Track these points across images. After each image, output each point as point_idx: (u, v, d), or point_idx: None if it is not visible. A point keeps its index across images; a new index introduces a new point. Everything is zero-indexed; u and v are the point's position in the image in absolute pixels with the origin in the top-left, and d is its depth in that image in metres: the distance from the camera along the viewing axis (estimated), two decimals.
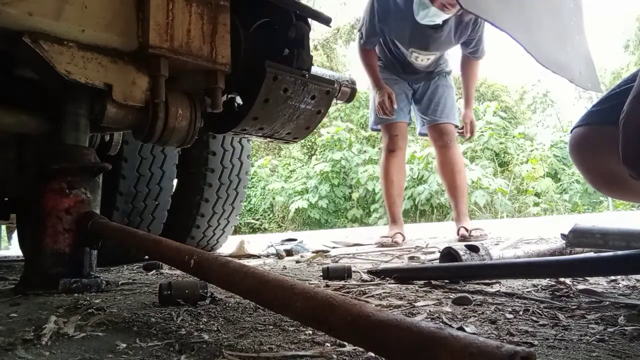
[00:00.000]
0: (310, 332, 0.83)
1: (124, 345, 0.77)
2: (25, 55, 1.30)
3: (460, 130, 3.25)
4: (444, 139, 3.15)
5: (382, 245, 2.95)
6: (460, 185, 3.18)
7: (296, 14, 1.68)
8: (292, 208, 13.69)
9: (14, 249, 7.44)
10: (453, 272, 1.30)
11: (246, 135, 1.83)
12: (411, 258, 2.15)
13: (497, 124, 13.04)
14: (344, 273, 1.54)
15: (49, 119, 1.62)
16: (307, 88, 1.68)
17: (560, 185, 12.41)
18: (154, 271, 1.99)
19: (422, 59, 3.07)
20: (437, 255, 1.77)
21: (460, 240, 2.92)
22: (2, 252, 7.41)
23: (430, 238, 3.30)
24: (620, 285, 1.21)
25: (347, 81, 2.23)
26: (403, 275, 1.40)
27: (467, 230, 2.95)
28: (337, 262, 2.19)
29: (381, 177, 3.35)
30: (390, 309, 1.02)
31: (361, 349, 0.70)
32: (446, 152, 3.17)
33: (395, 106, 3.06)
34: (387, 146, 3.21)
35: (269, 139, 1.86)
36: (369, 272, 1.54)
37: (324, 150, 14.40)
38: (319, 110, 1.78)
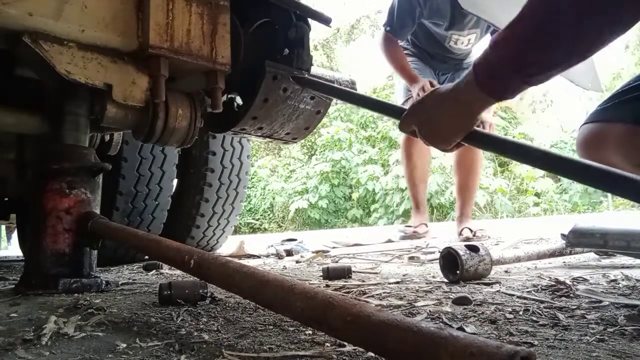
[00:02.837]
0: (310, 332, 0.83)
1: (124, 345, 0.77)
2: (25, 55, 1.30)
3: None
4: None
5: (404, 235, 2.83)
6: (472, 186, 3.10)
7: (296, 14, 1.68)
8: (292, 208, 13.67)
9: (14, 249, 7.43)
10: None
11: (245, 135, 1.83)
12: (411, 258, 2.15)
13: (497, 124, 13.04)
14: (344, 273, 1.54)
15: (49, 119, 1.62)
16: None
17: (560, 185, 12.40)
18: (154, 271, 1.99)
19: (462, 41, 2.93)
20: (437, 255, 1.77)
21: (462, 242, 2.89)
22: (2, 252, 7.41)
23: (430, 238, 3.30)
24: (620, 285, 1.21)
25: (347, 81, 2.22)
26: None
27: (471, 230, 2.91)
28: (337, 262, 2.19)
29: (402, 161, 3.16)
30: (390, 309, 1.02)
31: (361, 349, 0.70)
32: (466, 151, 2.99)
33: None
34: None
35: (268, 139, 1.86)
36: None
37: (324, 150, 14.39)
38: (318, 111, 1.78)
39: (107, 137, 2.05)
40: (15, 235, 5.17)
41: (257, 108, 1.62)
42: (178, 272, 1.85)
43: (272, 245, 2.98)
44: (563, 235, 1.65)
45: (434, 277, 1.52)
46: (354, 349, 0.71)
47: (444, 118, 0.97)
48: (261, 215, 15.16)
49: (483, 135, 0.97)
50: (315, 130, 1.92)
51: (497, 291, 1.19)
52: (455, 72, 3.14)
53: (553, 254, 1.75)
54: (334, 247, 3.11)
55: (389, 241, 3.17)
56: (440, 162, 11.23)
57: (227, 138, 2.88)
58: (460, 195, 3.13)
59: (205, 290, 1.15)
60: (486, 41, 3.03)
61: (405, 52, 3.09)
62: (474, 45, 3.02)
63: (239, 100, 1.80)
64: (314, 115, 1.79)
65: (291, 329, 0.86)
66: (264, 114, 1.66)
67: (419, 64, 3.06)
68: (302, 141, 11.68)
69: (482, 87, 0.86)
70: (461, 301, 1.05)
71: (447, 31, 2.88)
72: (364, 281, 1.47)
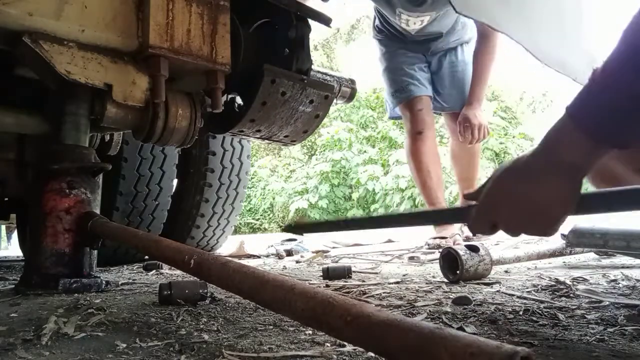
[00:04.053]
0: (310, 332, 0.83)
1: (124, 345, 0.77)
2: (25, 55, 1.30)
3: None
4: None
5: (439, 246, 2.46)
6: (474, 177, 2.98)
7: (296, 14, 1.68)
8: (292, 208, 13.68)
9: (14, 249, 7.43)
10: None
11: (243, 137, 1.83)
12: (411, 258, 2.15)
13: (497, 124, 13.04)
14: (344, 273, 1.54)
15: (49, 119, 1.62)
16: (306, 92, 1.67)
17: None
18: (154, 271, 1.99)
19: (413, 22, 2.49)
20: (437, 255, 1.77)
21: (463, 241, 2.86)
22: (2, 252, 7.41)
23: (430, 238, 3.29)
24: (620, 285, 1.21)
25: (347, 81, 2.22)
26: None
27: None
28: (337, 262, 2.19)
29: (412, 168, 2.73)
30: (390, 309, 1.02)
31: (361, 349, 0.70)
32: (462, 146, 2.74)
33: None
34: (412, 127, 2.58)
35: (266, 141, 1.87)
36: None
37: (324, 150, 14.40)
38: (317, 115, 1.78)
39: (107, 137, 2.05)
40: (15, 235, 5.17)
41: (255, 111, 1.62)
42: (178, 272, 1.85)
43: (272, 245, 2.98)
44: (563, 235, 1.65)
45: (434, 277, 1.52)
46: (354, 349, 0.71)
47: (544, 195, 0.69)
48: (261, 215, 15.16)
49: (598, 197, 0.73)
50: (315, 130, 1.92)
51: (497, 291, 1.19)
52: (442, 56, 2.74)
53: (553, 254, 1.75)
54: (334, 247, 3.11)
55: (389, 241, 3.17)
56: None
57: (227, 138, 2.88)
58: (463, 185, 2.98)
59: (205, 290, 1.15)
60: (448, 17, 2.56)
61: (382, 35, 2.77)
62: (430, 25, 2.55)
63: (239, 100, 1.80)
64: (312, 119, 1.78)
65: (291, 329, 0.86)
66: (262, 117, 1.66)
67: (400, 48, 2.71)
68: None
69: (592, 134, 0.65)
70: (461, 301, 1.05)
71: (395, 9, 2.47)
72: (364, 281, 1.47)
